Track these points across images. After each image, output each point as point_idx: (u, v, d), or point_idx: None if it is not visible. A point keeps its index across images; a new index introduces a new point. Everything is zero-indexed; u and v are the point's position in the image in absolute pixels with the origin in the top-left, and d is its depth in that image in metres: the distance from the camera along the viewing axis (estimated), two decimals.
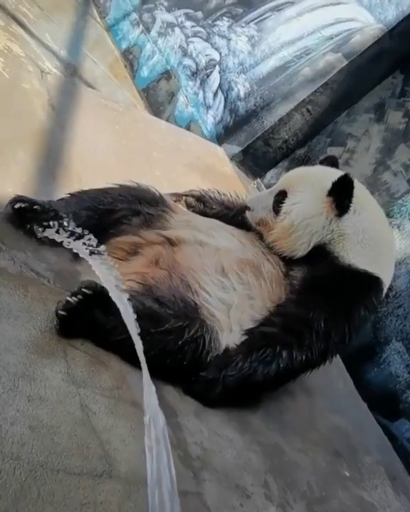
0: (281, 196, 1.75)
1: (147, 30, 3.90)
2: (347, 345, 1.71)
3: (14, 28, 2.70)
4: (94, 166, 2.16)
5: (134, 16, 3.98)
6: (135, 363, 1.40)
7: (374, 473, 1.82)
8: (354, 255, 1.69)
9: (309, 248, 1.69)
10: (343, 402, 2.13)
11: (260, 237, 1.80)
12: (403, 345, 2.50)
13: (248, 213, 1.82)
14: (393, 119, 3.00)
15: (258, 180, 3.37)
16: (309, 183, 1.74)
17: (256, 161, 3.32)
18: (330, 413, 1.94)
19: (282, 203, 1.73)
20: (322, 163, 1.95)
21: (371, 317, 1.82)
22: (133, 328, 1.26)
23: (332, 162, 1.91)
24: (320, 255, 1.70)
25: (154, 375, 1.44)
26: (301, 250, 1.70)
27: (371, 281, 1.70)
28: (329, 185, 1.68)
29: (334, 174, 1.73)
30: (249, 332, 1.56)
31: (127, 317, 1.28)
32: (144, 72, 3.83)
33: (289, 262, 1.73)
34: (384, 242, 1.78)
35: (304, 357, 1.57)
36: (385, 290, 1.75)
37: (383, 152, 2.98)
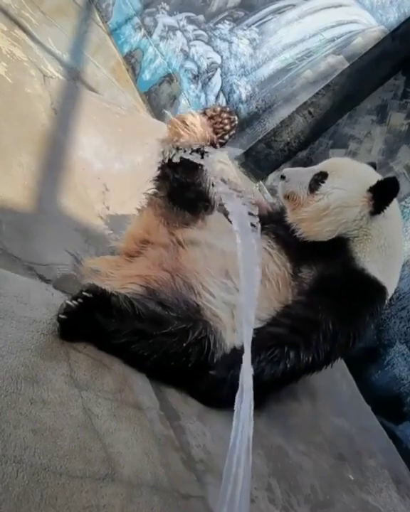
0: (321, 176, 1.73)
1: (149, 33, 3.91)
2: (350, 350, 1.72)
3: (17, 33, 2.71)
4: (96, 169, 2.17)
5: (136, 19, 3.99)
6: (137, 366, 1.40)
7: (378, 477, 1.81)
8: (370, 260, 1.69)
9: (333, 236, 1.68)
10: (347, 405, 2.12)
11: (273, 232, 1.76)
12: (407, 348, 2.48)
13: (280, 183, 1.79)
14: (395, 120, 3.00)
15: (260, 182, 3.37)
16: (353, 173, 1.73)
17: (258, 163, 3.31)
18: (334, 416, 1.93)
19: (322, 182, 1.71)
20: None
21: (372, 324, 1.82)
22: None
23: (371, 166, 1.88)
24: (337, 250, 1.69)
25: (158, 377, 1.44)
26: (325, 236, 1.68)
27: (379, 291, 1.71)
28: (372, 181, 1.68)
29: (377, 174, 1.74)
30: (257, 332, 1.55)
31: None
32: (146, 75, 3.84)
33: (298, 263, 1.71)
34: (398, 252, 1.79)
35: (310, 358, 1.57)
36: (387, 300, 1.76)
37: (385, 154, 2.97)
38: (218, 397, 1.48)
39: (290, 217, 1.75)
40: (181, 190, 1.71)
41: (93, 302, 1.32)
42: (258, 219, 1.34)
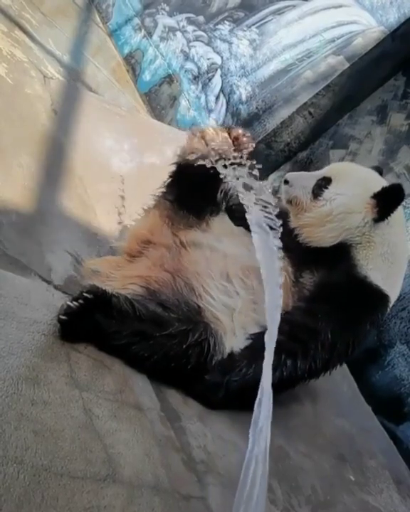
0: (325, 182, 1.71)
1: (149, 34, 3.91)
2: (349, 357, 1.71)
3: (17, 34, 2.71)
4: (97, 171, 2.17)
5: (136, 20, 4.00)
6: (137, 367, 1.40)
7: (379, 477, 1.81)
8: (373, 267, 1.67)
9: (336, 242, 1.67)
10: (347, 406, 2.12)
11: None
12: (408, 348, 2.48)
13: (283, 187, 1.77)
14: (395, 121, 3.00)
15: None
16: (357, 179, 1.72)
17: (258, 163, 3.31)
18: (335, 417, 1.93)
19: (325, 188, 1.70)
20: None
21: (372, 332, 1.81)
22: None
23: (376, 171, 1.87)
24: (340, 256, 1.67)
25: (158, 378, 1.44)
26: (328, 242, 1.67)
27: (381, 299, 1.69)
28: (376, 188, 1.66)
29: (382, 180, 1.73)
30: (254, 337, 1.55)
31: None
32: (146, 76, 3.84)
33: (299, 268, 1.70)
34: (401, 260, 1.76)
35: (307, 366, 1.56)
36: (389, 308, 1.75)
37: (385, 154, 2.97)
38: (213, 401, 1.48)
39: (293, 222, 1.74)
40: (192, 195, 1.70)
41: (94, 303, 1.33)
42: (280, 229, 1.34)
